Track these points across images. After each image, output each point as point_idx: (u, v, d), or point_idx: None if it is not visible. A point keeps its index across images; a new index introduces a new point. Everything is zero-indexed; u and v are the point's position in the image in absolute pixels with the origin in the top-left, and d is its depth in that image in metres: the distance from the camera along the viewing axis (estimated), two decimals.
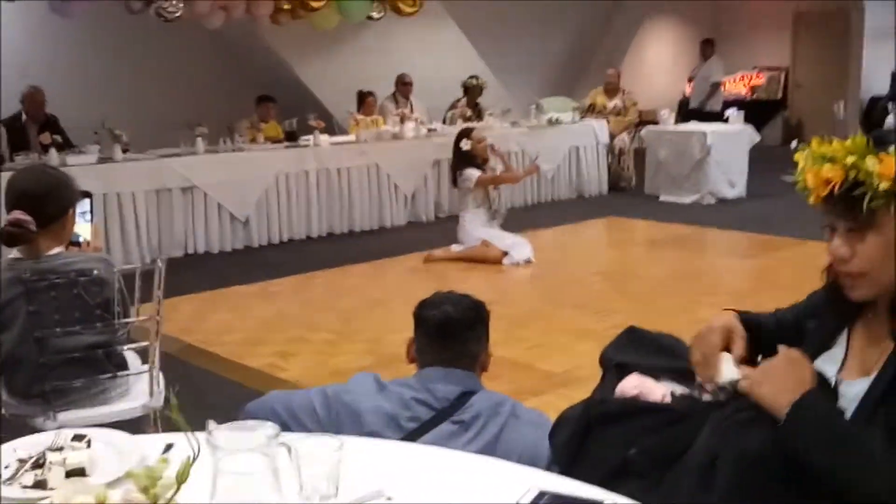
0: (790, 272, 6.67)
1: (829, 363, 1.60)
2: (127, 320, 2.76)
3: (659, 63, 12.81)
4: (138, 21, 8.08)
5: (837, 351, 1.62)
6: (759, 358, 1.60)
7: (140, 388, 2.95)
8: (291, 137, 8.39)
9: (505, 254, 6.96)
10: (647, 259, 7.31)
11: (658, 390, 1.83)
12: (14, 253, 2.76)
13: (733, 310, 1.82)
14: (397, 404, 2.10)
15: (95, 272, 2.68)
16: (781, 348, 1.58)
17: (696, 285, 6.29)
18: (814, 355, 1.61)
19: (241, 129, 8.29)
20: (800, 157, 1.55)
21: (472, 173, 7.07)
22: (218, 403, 4.30)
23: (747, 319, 1.78)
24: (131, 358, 2.98)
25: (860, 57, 14.32)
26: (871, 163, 1.46)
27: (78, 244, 2.97)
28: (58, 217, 2.80)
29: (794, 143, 1.65)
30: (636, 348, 1.96)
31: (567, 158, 10.14)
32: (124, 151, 7.29)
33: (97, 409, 2.83)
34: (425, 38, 10.62)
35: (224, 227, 7.71)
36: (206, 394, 4.42)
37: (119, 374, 2.82)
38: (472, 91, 10.27)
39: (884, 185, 1.45)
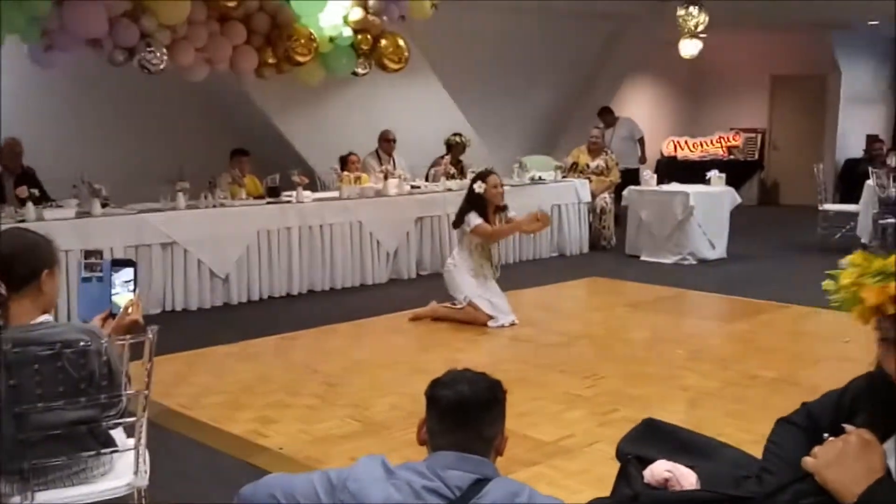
0: (774, 337, 6.64)
1: (890, 456, 1.53)
2: (114, 395, 2.62)
3: (638, 123, 12.92)
4: (119, 72, 7.99)
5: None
6: (826, 435, 1.53)
7: (123, 464, 2.80)
8: (274, 193, 8.29)
9: (490, 316, 6.87)
10: (632, 322, 7.24)
11: (691, 476, 1.75)
12: None
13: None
14: (407, 494, 1.99)
15: (81, 343, 2.54)
16: (849, 428, 1.50)
17: (682, 350, 6.21)
18: None
19: (222, 184, 8.18)
20: (847, 274, 1.51)
21: (473, 219, 6.87)
22: (198, 473, 4.16)
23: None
24: (115, 432, 2.83)
25: (836, 120, 14.57)
26: None
27: (114, 316, 2.84)
28: (29, 280, 2.66)
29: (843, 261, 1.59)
30: (654, 443, 1.87)
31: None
32: (103, 206, 7.17)
33: (78, 488, 2.67)
34: (409, 95, 10.62)
35: (203, 283, 7.58)
36: (185, 462, 4.27)
37: (103, 451, 2.67)
38: (455, 148, 10.28)
39: None
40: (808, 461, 1.50)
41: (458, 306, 6.94)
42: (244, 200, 8.14)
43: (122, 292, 2.87)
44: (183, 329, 6.82)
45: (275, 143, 9.98)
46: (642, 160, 12.53)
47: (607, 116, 12.50)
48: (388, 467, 2.07)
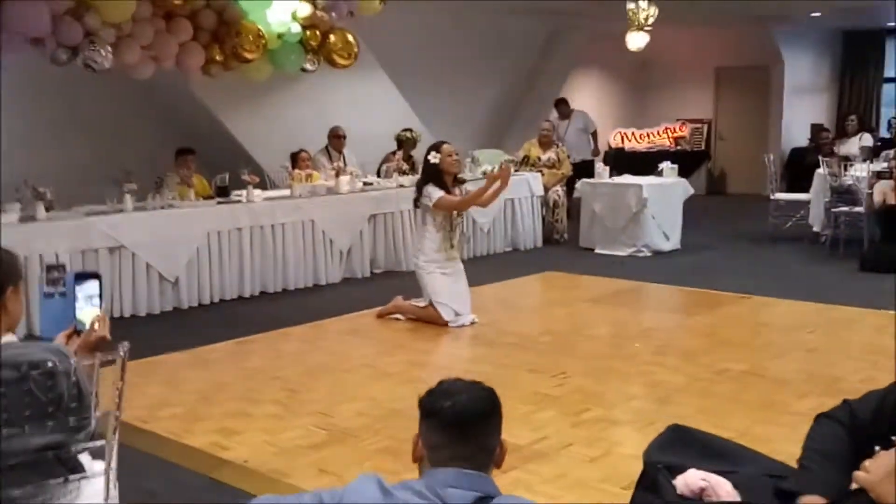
0: (737, 329, 6.63)
1: None
2: (83, 417, 2.44)
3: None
4: (62, 72, 7.70)
5: None
6: (877, 449, 1.44)
7: (91, 490, 2.61)
8: (223, 193, 8.07)
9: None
10: (594, 317, 7.18)
11: (727, 484, 1.66)
12: None
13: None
14: None
15: (49, 364, 2.36)
16: None
17: (647, 345, 6.16)
18: None
19: (170, 185, 7.94)
20: None
21: (434, 192, 6.58)
22: (161, 490, 3.97)
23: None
24: (82, 456, 2.65)
25: (780, 110, 14.76)
26: None
27: (79, 333, 2.65)
28: None
29: None
30: (684, 450, 1.78)
31: (502, 211, 10.05)
32: (48, 209, 6.89)
33: None
34: (358, 91, 10.45)
35: (152, 288, 7.32)
36: (146, 479, 4.06)
37: (71, 477, 2.49)
38: (406, 144, 10.16)
39: None
40: (859, 476, 1.42)
41: (422, 305, 6.82)
42: (193, 201, 7.91)
43: (87, 307, 2.69)
44: (132, 336, 6.42)
45: (223, 142, 9.75)
46: (595, 153, 12.57)
47: (563, 108, 12.48)
48: (384, 487, 1.95)
